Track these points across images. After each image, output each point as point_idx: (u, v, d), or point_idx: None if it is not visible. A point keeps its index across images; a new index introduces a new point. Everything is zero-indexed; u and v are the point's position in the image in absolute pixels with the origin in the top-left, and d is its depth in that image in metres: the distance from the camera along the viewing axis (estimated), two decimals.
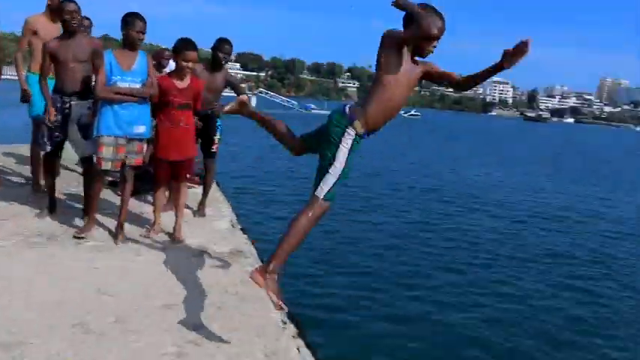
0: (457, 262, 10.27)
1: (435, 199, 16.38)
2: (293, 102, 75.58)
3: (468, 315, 7.80)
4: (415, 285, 8.74)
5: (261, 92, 77.61)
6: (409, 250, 10.35)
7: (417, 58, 2.77)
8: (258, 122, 3.22)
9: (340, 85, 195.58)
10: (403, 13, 2.68)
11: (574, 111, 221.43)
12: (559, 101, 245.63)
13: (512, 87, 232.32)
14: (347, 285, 8.09)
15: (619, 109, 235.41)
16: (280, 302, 2.61)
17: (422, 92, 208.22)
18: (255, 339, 3.03)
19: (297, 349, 3.04)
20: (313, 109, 74.33)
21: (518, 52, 2.54)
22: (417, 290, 8.58)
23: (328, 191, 2.65)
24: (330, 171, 2.65)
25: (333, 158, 2.64)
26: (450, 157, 30.32)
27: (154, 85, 4.27)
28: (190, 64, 4.36)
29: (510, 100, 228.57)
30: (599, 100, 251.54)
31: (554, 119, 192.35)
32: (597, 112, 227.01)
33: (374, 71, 2.86)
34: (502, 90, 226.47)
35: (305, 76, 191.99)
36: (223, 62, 5.17)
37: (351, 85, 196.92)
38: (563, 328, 7.70)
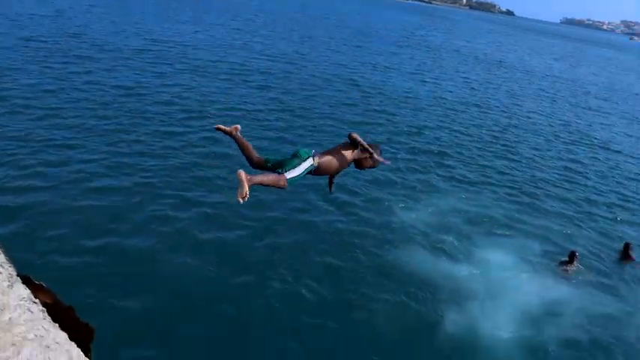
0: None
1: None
2: None
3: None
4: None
5: None
6: None
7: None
8: (237, 143, 4.14)
9: None
10: None
11: None
12: None
13: None
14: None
15: None
16: (246, 194, 3.50)
17: None
18: None
19: None
20: None
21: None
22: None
23: (292, 178, 3.89)
24: (296, 168, 3.93)
25: (299, 163, 3.96)
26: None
27: None
28: None
29: None
30: None
31: None
32: None
33: None
34: None
35: None
36: None
37: None
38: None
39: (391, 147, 12.25)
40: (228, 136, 4.09)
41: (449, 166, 11.91)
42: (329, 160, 4.17)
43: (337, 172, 4.33)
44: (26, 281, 2.23)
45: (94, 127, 10.73)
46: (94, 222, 7.47)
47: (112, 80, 14.35)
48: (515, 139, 15.28)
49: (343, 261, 7.52)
